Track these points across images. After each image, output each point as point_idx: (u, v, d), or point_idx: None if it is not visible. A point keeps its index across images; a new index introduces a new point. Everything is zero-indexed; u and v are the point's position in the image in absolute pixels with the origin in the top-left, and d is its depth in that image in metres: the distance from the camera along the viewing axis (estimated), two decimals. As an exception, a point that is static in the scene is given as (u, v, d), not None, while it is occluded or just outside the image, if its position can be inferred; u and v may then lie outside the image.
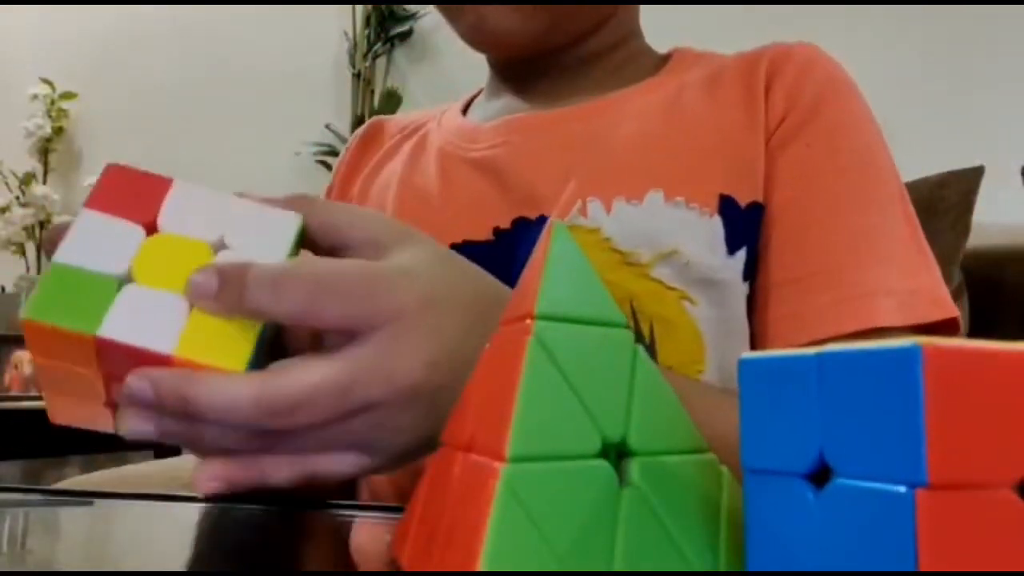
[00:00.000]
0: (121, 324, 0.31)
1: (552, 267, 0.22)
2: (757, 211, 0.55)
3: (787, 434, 0.19)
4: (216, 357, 0.31)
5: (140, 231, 0.34)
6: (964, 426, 0.15)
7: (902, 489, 0.15)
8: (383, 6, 2.41)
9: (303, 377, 0.31)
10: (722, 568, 0.22)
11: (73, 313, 0.31)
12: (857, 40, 1.82)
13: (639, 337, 0.53)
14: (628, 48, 0.65)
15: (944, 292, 0.52)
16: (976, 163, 1.14)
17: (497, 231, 0.57)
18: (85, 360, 0.32)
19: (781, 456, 0.19)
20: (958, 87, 1.86)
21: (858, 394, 0.17)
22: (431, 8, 2.43)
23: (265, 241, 0.34)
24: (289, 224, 0.35)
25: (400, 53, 2.46)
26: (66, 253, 0.32)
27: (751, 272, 0.54)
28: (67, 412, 0.37)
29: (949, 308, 0.51)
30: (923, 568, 0.15)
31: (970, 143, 1.58)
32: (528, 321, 0.22)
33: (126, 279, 0.33)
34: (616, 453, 0.22)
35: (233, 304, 0.32)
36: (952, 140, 1.60)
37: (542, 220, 0.56)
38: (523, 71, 0.65)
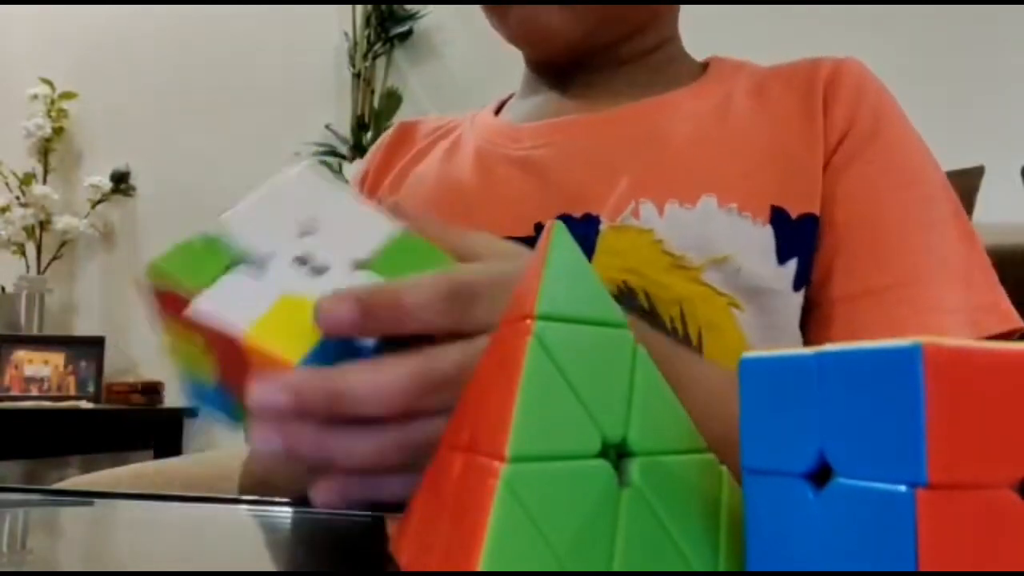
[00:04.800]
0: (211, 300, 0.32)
1: (552, 267, 0.22)
2: (810, 222, 0.55)
3: (787, 434, 0.19)
4: (278, 345, 0.31)
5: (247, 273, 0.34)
6: (965, 426, 0.15)
7: (902, 489, 0.15)
8: (383, 6, 2.41)
9: (455, 354, 0.32)
10: (722, 568, 0.22)
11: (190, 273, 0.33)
12: (857, 40, 1.81)
13: (687, 341, 0.53)
14: (668, 50, 0.66)
15: (1006, 304, 0.53)
16: (976, 163, 1.14)
17: (539, 227, 0.57)
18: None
19: (781, 456, 0.19)
20: (958, 87, 1.86)
21: (858, 393, 0.17)
22: (431, 8, 2.44)
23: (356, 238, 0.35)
24: (385, 229, 0.36)
25: (400, 53, 2.46)
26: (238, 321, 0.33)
27: (802, 282, 0.55)
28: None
29: (1013, 320, 0.52)
30: (923, 568, 0.15)
31: (970, 143, 1.58)
32: (528, 321, 0.22)
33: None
34: (616, 453, 0.22)
35: (386, 329, 0.32)
36: (952, 140, 1.60)
37: (587, 218, 0.56)
38: (564, 69, 0.65)
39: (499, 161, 0.62)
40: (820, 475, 0.18)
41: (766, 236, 0.54)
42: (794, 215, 0.55)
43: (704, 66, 0.66)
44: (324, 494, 0.33)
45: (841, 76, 0.59)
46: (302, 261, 0.34)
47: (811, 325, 0.55)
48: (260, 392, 0.30)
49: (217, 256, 0.34)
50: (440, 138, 0.69)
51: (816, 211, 0.55)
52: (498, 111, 0.71)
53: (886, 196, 0.55)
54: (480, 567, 0.19)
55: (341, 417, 0.30)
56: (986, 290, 0.53)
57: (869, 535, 0.16)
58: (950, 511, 0.15)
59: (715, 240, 0.54)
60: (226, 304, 0.32)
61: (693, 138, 0.58)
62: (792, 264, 0.54)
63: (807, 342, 0.55)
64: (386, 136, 0.74)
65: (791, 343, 0.54)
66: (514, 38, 0.63)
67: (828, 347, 0.18)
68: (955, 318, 0.50)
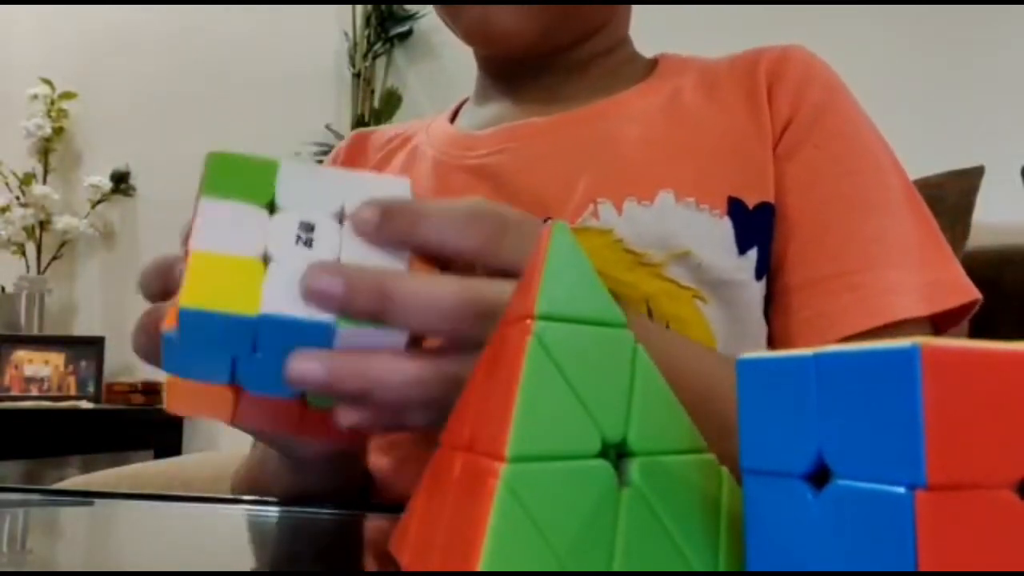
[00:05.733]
0: (279, 301, 0.30)
1: (552, 267, 0.22)
2: (766, 211, 0.55)
3: (786, 435, 0.19)
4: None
5: (264, 212, 0.32)
6: (963, 426, 0.15)
7: (901, 490, 0.15)
8: (383, 6, 2.41)
9: (504, 285, 0.31)
10: (721, 568, 0.22)
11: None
12: (857, 40, 1.82)
13: None
14: (621, 53, 0.65)
15: (961, 276, 0.53)
16: (976, 163, 1.14)
17: None
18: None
19: (780, 457, 0.19)
20: (958, 87, 1.86)
21: (857, 395, 0.17)
22: (431, 8, 2.43)
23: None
24: (402, 187, 0.35)
25: (400, 53, 2.46)
26: (201, 241, 0.31)
27: (764, 271, 0.55)
28: (187, 400, 0.34)
29: (967, 291, 0.52)
30: (923, 569, 0.15)
31: (970, 143, 1.58)
32: (528, 321, 0.22)
33: (267, 259, 0.31)
34: (615, 453, 0.22)
35: (403, 234, 0.31)
36: (952, 140, 1.60)
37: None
38: (517, 72, 0.65)
39: (455, 171, 0.62)
40: (819, 476, 0.18)
41: (725, 228, 0.54)
42: (751, 205, 0.55)
43: (653, 63, 0.66)
44: (350, 416, 0.32)
45: (785, 64, 0.59)
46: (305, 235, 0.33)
47: (772, 313, 0.55)
48: (316, 276, 0.29)
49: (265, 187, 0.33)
50: (397, 148, 0.69)
51: (771, 199, 0.55)
52: (454, 116, 0.70)
53: (835, 181, 0.55)
54: (480, 567, 0.19)
55: (386, 321, 0.30)
56: (941, 266, 0.53)
57: (868, 536, 0.16)
58: (949, 512, 0.15)
59: (675, 235, 0.54)
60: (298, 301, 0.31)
61: (646, 136, 0.58)
62: (752, 254, 0.55)
63: (770, 330, 0.55)
64: (341, 147, 0.73)
65: (757, 332, 0.55)
66: (466, 37, 0.62)
67: (827, 348, 0.18)
68: (909, 298, 0.51)
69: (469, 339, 0.30)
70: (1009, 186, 1.25)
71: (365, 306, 0.29)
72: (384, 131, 0.73)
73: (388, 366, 0.30)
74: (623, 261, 0.54)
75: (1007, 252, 1.11)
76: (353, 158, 0.71)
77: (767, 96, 0.58)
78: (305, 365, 0.29)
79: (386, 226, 0.31)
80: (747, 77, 0.59)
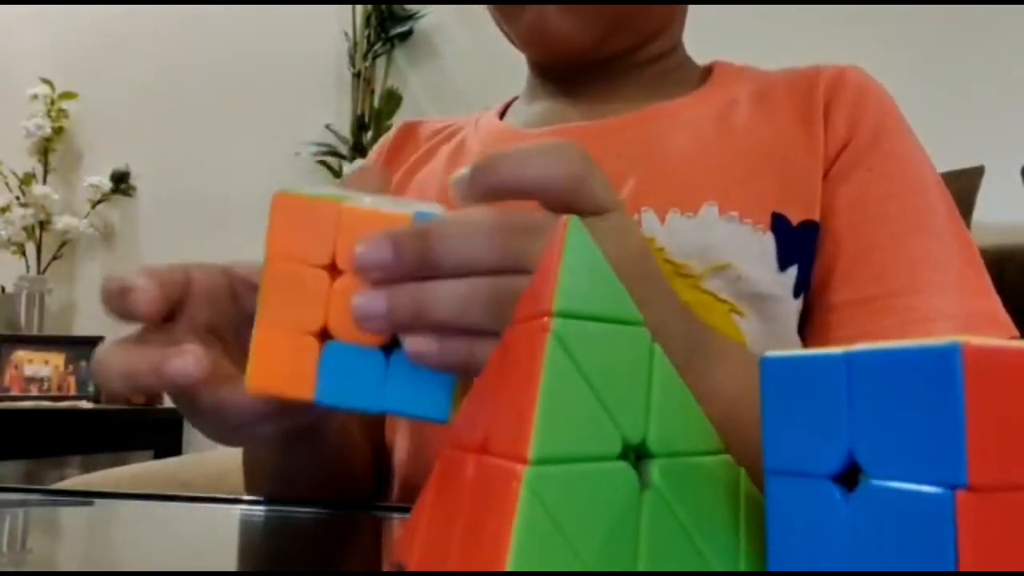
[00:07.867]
0: None
1: (568, 263, 0.22)
2: (810, 230, 0.55)
3: (813, 435, 0.18)
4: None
5: None
6: (1004, 427, 0.15)
7: (940, 491, 0.15)
8: (383, 6, 2.41)
9: (540, 213, 0.32)
10: (742, 569, 0.22)
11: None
12: (857, 40, 1.81)
13: None
14: (673, 58, 0.65)
15: (1001, 313, 0.53)
16: (976, 163, 1.14)
17: None
18: (323, 251, 0.32)
19: (807, 457, 0.18)
20: (958, 87, 1.86)
21: (893, 394, 0.16)
22: (431, 8, 2.43)
23: None
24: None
25: (400, 53, 2.46)
26: None
27: (801, 289, 0.55)
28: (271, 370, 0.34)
29: (1007, 328, 0.52)
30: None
31: (970, 143, 1.58)
32: (546, 318, 0.21)
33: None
34: (635, 455, 0.22)
35: (489, 182, 0.33)
36: (952, 140, 1.60)
37: None
38: (569, 74, 0.64)
39: None
40: (848, 477, 0.18)
41: (767, 243, 0.54)
42: (795, 222, 0.55)
43: (707, 70, 0.66)
44: (418, 344, 0.32)
45: (842, 84, 0.59)
46: None
47: (809, 331, 0.55)
48: (365, 249, 0.31)
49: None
50: (444, 141, 0.69)
51: (816, 218, 0.55)
52: (502, 114, 0.70)
53: (884, 204, 0.55)
54: (508, 569, 0.18)
55: (435, 264, 0.31)
56: (982, 298, 0.53)
57: (904, 537, 0.16)
58: (990, 514, 0.15)
59: (716, 248, 0.54)
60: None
61: (694, 146, 0.58)
62: (792, 271, 0.55)
63: (805, 347, 0.55)
64: (390, 135, 0.74)
65: (792, 348, 0.54)
66: (521, 41, 0.62)
67: (858, 347, 0.17)
68: (948, 325, 0.51)
69: (518, 256, 0.31)
70: (1009, 186, 1.24)
71: (411, 255, 0.31)
72: (432, 123, 0.73)
73: (440, 289, 0.31)
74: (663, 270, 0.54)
75: (1007, 252, 1.11)
76: (401, 147, 0.71)
77: (824, 115, 0.58)
78: (368, 300, 0.31)
79: (475, 182, 0.33)
80: (803, 95, 0.59)
